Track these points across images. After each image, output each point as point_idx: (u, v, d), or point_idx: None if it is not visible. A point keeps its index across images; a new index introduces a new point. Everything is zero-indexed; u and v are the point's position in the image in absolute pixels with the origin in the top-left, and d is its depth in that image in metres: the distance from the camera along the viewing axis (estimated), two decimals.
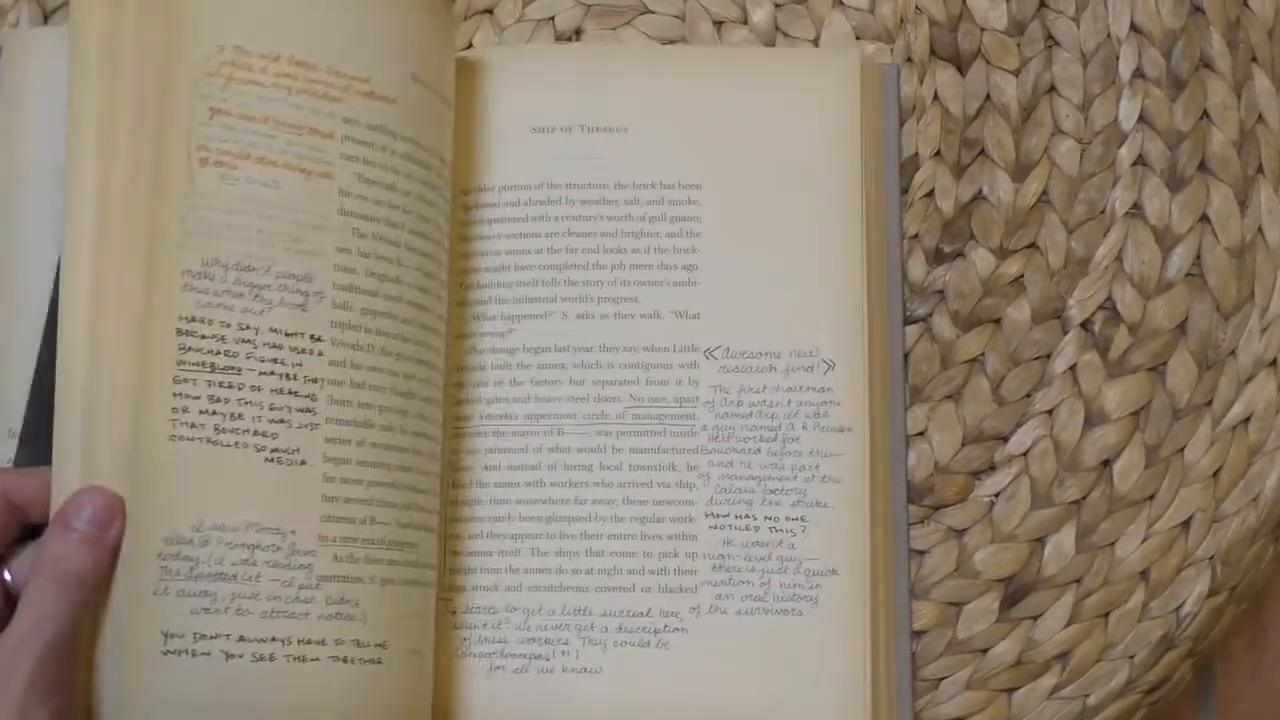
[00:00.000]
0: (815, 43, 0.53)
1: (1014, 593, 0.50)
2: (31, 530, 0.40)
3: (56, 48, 0.46)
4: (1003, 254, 0.52)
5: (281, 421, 0.41)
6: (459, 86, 0.49)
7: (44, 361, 0.43)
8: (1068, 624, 0.50)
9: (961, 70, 0.53)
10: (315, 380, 0.42)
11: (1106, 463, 0.51)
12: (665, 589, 0.48)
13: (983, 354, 0.51)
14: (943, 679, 0.50)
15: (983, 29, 0.53)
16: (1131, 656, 0.50)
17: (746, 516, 0.48)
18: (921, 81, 0.53)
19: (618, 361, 0.49)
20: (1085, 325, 0.52)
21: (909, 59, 0.53)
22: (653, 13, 0.53)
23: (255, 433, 0.41)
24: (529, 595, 0.48)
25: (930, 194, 0.52)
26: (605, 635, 0.47)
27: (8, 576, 0.40)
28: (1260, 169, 0.52)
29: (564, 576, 0.48)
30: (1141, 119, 0.52)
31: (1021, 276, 0.52)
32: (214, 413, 0.41)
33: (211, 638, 0.40)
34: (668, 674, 0.47)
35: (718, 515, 0.48)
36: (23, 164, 0.47)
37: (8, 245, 0.47)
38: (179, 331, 0.41)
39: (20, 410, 0.44)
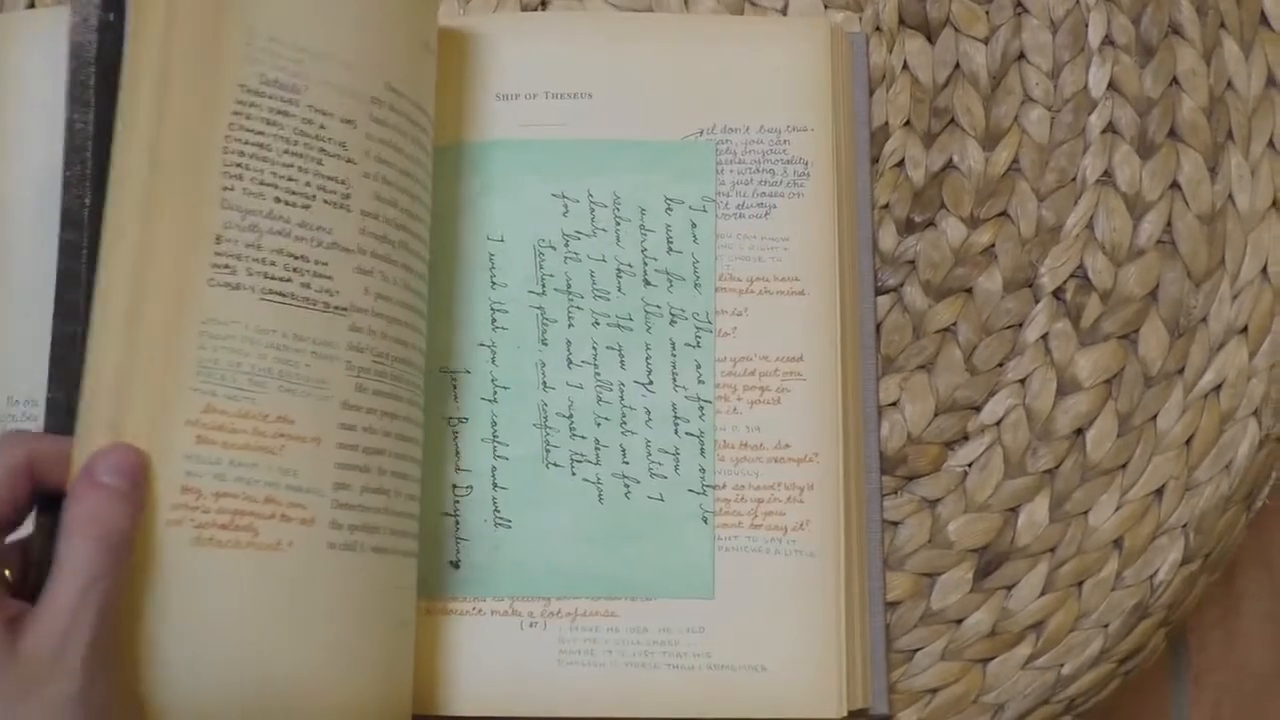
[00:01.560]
0: (783, 11, 0.53)
1: (988, 563, 0.50)
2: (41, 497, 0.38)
3: (44, 31, 0.46)
4: (974, 223, 0.52)
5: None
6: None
7: (58, 336, 0.41)
8: (1041, 594, 0.50)
9: (930, 39, 0.53)
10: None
11: (1079, 431, 0.51)
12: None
13: (954, 323, 0.51)
14: (917, 650, 0.49)
15: None
16: (1105, 625, 0.50)
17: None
18: (890, 50, 0.53)
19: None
20: (1057, 294, 0.51)
21: (878, 28, 0.53)
22: None
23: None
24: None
25: (900, 163, 0.52)
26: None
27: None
28: (1230, 135, 0.52)
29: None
30: (1111, 86, 0.52)
31: (993, 245, 0.52)
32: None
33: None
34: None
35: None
36: (14, 145, 0.47)
37: (5, 219, 0.47)
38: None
39: (23, 380, 0.45)
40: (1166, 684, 0.62)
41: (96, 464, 0.37)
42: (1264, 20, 0.52)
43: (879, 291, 0.51)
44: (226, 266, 0.40)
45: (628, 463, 0.48)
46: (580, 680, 0.47)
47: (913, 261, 0.51)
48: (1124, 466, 0.51)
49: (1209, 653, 0.62)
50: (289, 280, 0.41)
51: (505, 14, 0.52)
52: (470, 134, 0.50)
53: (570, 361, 0.48)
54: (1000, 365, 0.51)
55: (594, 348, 0.48)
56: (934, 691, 0.49)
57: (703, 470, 0.48)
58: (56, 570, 0.36)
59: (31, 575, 0.38)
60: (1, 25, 0.49)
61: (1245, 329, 0.51)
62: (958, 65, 0.53)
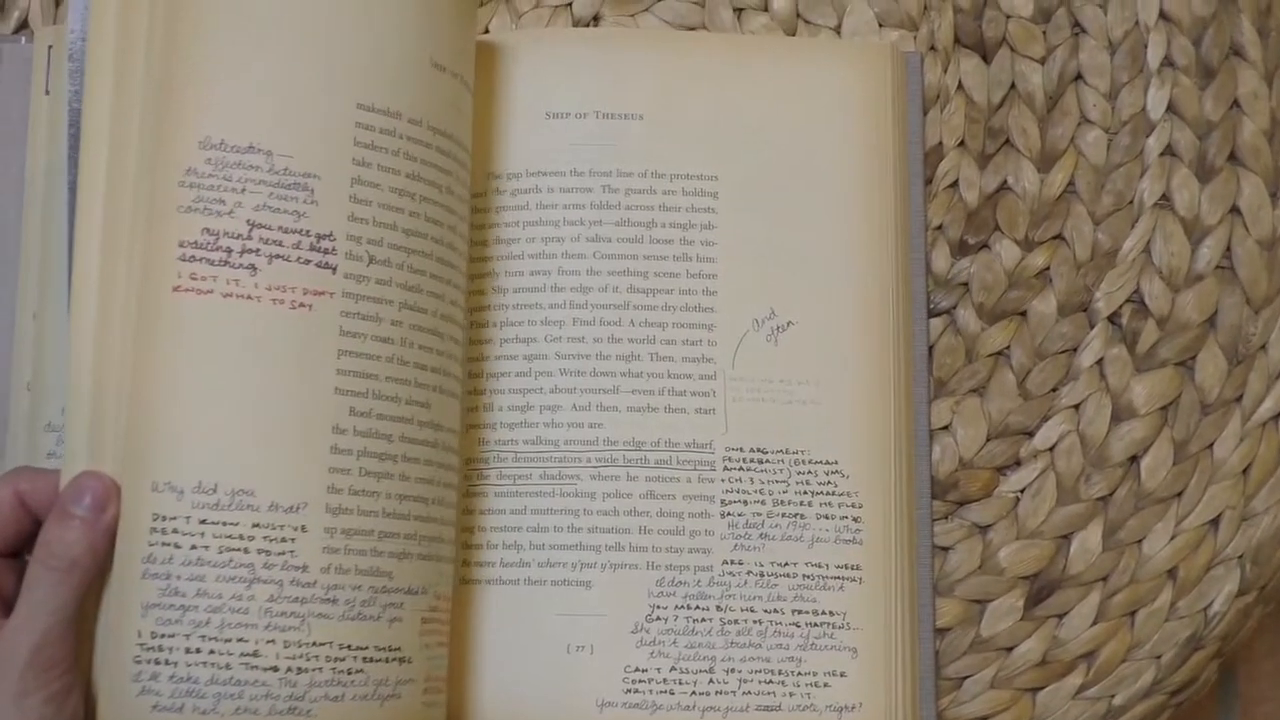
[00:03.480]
0: (837, 30, 0.52)
1: (1039, 590, 0.49)
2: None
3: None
4: (1028, 245, 0.51)
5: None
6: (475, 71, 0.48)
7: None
8: (1093, 623, 0.49)
9: (986, 58, 0.52)
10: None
11: (1134, 459, 0.50)
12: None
13: (1008, 347, 0.50)
14: (966, 678, 0.49)
15: (1008, 16, 0.52)
16: (1158, 656, 0.49)
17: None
18: (945, 70, 0.52)
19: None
20: (1112, 318, 0.51)
21: (933, 47, 0.52)
22: None
23: None
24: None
25: (954, 184, 0.51)
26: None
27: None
28: None
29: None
30: (1170, 108, 0.52)
31: (1047, 268, 0.51)
32: None
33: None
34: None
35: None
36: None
37: (46, 245, 0.47)
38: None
39: (57, 404, 0.45)
40: (1214, 712, 0.61)
41: (66, 494, 0.39)
42: None
43: (932, 314, 0.51)
44: None
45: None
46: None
47: (966, 284, 0.51)
48: (1179, 495, 0.50)
49: (1259, 684, 0.61)
50: None
51: (557, 29, 0.52)
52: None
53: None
54: (1054, 390, 0.50)
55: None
56: None
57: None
58: (19, 594, 0.39)
59: None
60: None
61: None
62: (1013, 85, 0.52)
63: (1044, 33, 0.52)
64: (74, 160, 0.41)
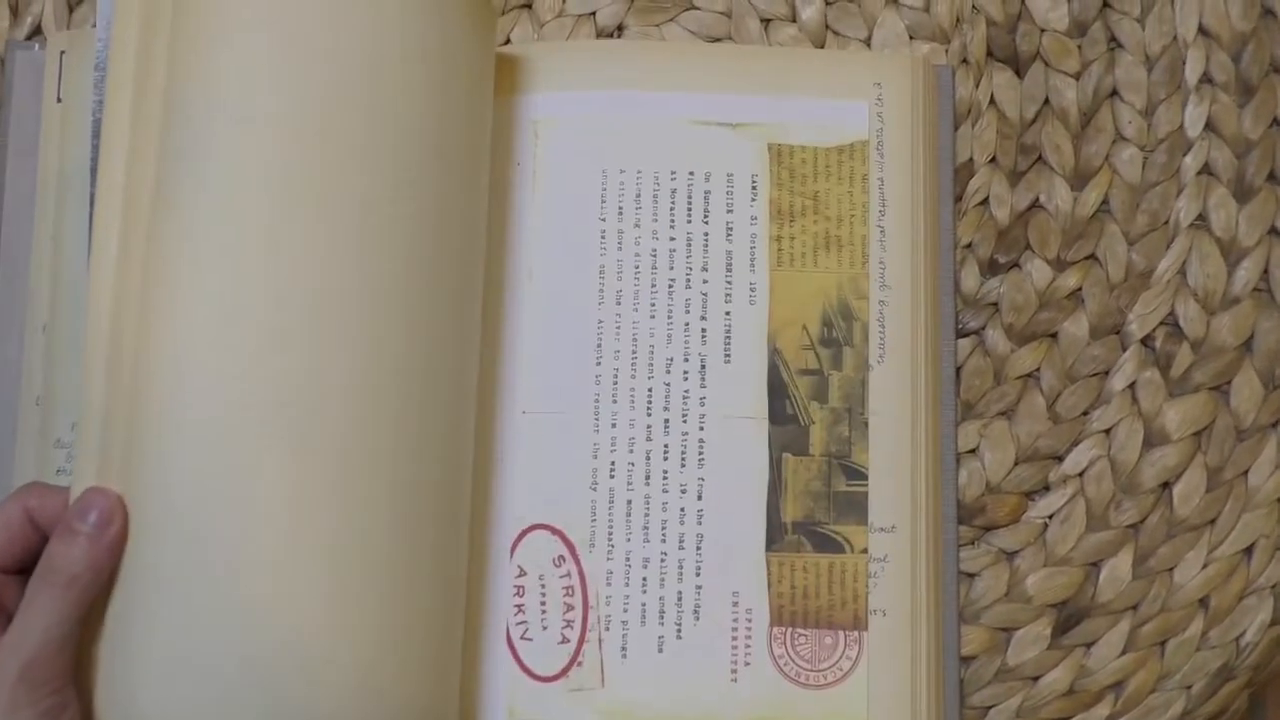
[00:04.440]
0: (867, 42, 0.51)
1: (1067, 619, 0.48)
2: None
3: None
4: (1060, 265, 0.50)
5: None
6: (496, 82, 0.47)
7: None
8: (1122, 652, 0.48)
9: (1019, 73, 0.51)
10: None
11: (1166, 485, 0.49)
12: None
13: (1038, 369, 0.49)
14: (991, 707, 0.48)
15: (1042, 30, 0.51)
16: (1188, 687, 0.48)
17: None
18: (977, 84, 0.51)
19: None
20: (1146, 341, 0.49)
21: (964, 60, 0.51)
22: (698, 9, 0.51)
23: None
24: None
25: (985, 202, 0.50)
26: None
27: None
28: None
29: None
30: (1208, 126, 0.50)
31: (1080, 289, 0.50)
32: None
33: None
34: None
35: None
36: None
37: (57, 256, 0.47)
38: None
39: (67, 419, 0.45)
40: None
41: (71, 511, 0.39)
42: None
43: (960, 334, 0.49)
44: None
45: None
46: None
47: (995, 304, 0.50)
48: (1212, 523, 0.49)
49: None
50: None
51: (579, 40, 0.51)
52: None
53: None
54: (1085, 414, 0.49)
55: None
56: None
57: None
58: (19, 610, 0.38)
59: None
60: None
61: None
62: (1047, 100, 0.51)
63: (1079, 47, 0.51)
64: (95, 173, 0.40)
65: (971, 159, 0.50)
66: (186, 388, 0.39)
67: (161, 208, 0.39)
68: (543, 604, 0.46)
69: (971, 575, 0.48)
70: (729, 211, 0.48)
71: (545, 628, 0.46)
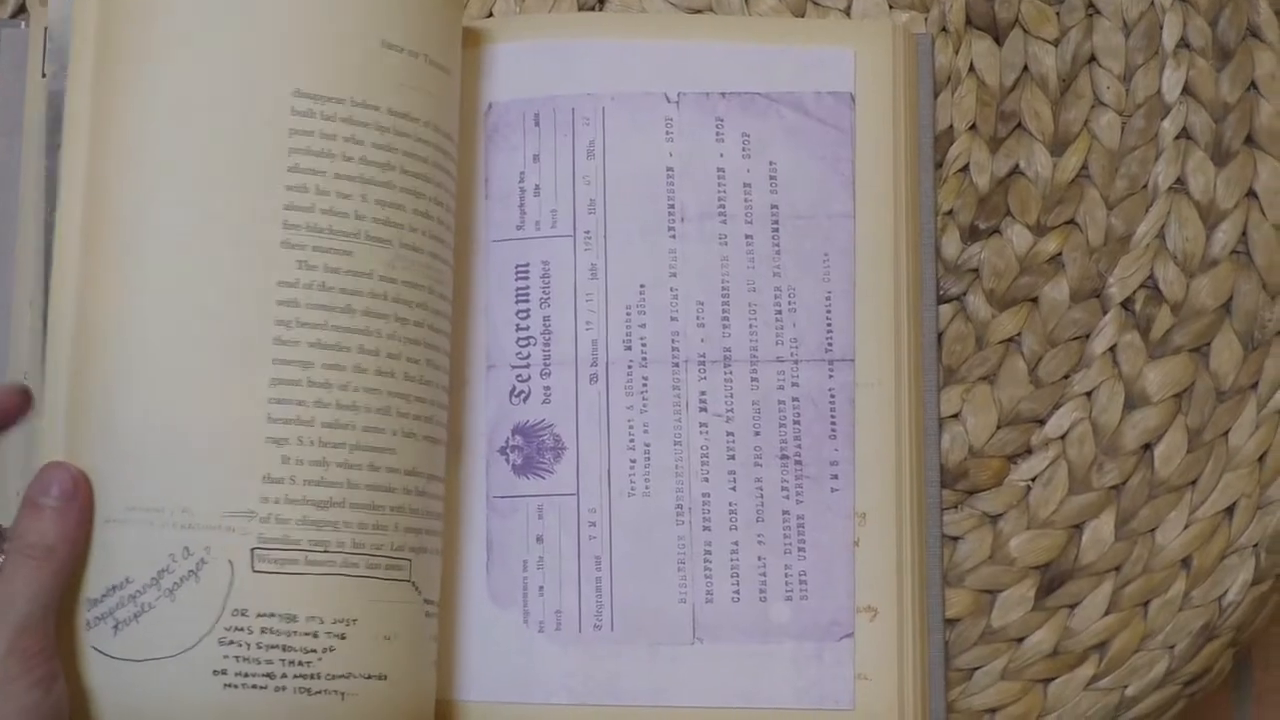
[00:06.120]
0: (847, 12, 0.51)
1: (1050, 580, 0.49)
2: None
3: None
4: (1040, 231, 0.50)
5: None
6: (479, 57, 0.47)
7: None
8: (1106, 613, 0.48)
9: (998, 40, 0.51)
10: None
11: (1147, 446, 0.49)
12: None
13: (1019, 334, 0.50)
14: (976, 669, 0.48)
15: None
16: (1171, 647, 0.48)
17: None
18: (957, 52, 0.51)
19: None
20: (1126, 304, 0.50)
21: (944, 28, 0.51)
22: None
23: None
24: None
25: (965, 168, 0.51)
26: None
27: None
28: None
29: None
30: (1186, 90, 0.51)
31: (1060, 254, 0.50)
32: None
33: None
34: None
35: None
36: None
37: (43, 231, 0.47)
38: None
39: None
40: (1228, 702, 0.60)
41: (33, 488, 0.40)
42: None
43: (941, 300, 0.50)
44: None
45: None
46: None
47: (976, 270, 0.50)
48: (1193, 483, 0.49)
49: (1273, 671, 0.60)
50: None
51: (561, 14, 0.51)
52: None
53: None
54: (1066, 377, 0.50)
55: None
56: (993, 711, 0.48)
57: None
58: None
59: None
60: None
61: None
62: (1026, 68, 0.51)
63: (1058, 14, 0.51)
64: (54, 146, 0.41)
65: (951, 126, 0.51)
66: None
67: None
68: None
69: (955, 539, 0.49)
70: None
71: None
